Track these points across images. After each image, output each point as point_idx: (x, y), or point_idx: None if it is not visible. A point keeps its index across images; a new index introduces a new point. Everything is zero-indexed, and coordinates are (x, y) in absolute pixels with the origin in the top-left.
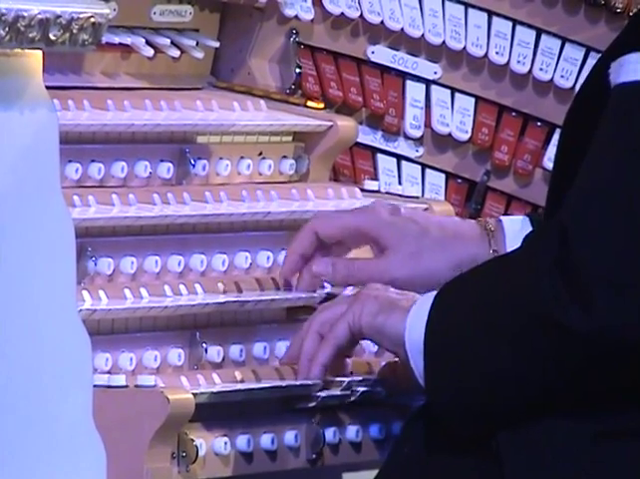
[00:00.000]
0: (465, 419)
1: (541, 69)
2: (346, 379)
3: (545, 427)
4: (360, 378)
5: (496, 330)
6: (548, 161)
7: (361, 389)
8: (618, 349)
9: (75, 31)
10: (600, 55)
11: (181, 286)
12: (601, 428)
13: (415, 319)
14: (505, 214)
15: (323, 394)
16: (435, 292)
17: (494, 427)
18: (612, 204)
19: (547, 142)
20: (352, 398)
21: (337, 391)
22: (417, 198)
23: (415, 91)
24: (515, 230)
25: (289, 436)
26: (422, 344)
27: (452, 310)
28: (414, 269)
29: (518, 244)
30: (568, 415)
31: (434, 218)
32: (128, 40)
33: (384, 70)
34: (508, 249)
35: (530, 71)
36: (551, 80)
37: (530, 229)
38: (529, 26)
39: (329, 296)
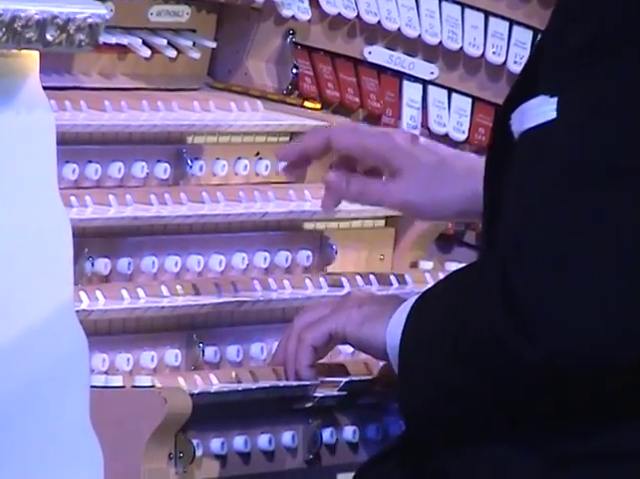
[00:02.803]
0: (427, 426)
1: None
2: (342, 379)
3: (496, 453)
4: (357, 379)
5: (455, 348)
6: None
7: (356, 389)
8: (561, 378)
9: (72, 32)
10: (499, 109)
11: (178, 287)
12: (556, 453)
13: (394, 327)
14: None
15: (319, 394)
16: (412, 300)
17: (458, 437)
18: (542, 239)
19: None
20: (347, 398)
21: (334, 392)
22: None
23: (412, 91)
24: None
25: (286, 437)
26: (397, 352)
27: (422, 321)
28: (429, 197)
29: None
30: (520, 441)
31: (452, 150)
32: (124, 40)
33: (381, 70)
34: None
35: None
36: None
37: None
38: (526, 26)
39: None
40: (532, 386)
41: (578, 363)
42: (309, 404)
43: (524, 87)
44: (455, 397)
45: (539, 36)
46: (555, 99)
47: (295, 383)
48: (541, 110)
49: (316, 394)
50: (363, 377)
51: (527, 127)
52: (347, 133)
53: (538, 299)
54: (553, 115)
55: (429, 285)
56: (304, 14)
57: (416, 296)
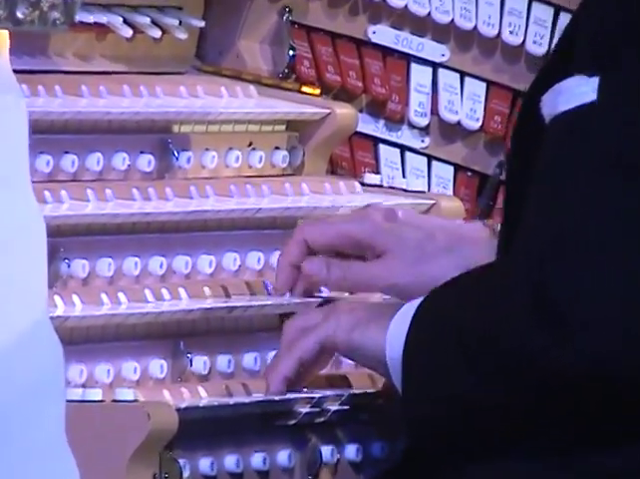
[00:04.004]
0: (434, 441)
1: None
2: (323, 394)
3: (526, 470)
4: (358, 391)
5: (474, 354)
6: None
7: (338, 407)
8: (594, 380)
9: (45, 9)
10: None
11: (164, 291)
12: (592, 469)
13: (395, 334)
14: None
15: (304, 410)
16: (416, 303)
17: (477, 453)
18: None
19: None
20: (348, 413)
21: (333, 406)
22: (422, 192)
23: (420, 75)
24: None
25: (282, 456)
26: (400, 361)
27: (430, 327)
28: (417, 276)
29: None
30: (553, 456)
31: (435, 220)
32: (104, 19)
33: (386, 52)
34: None
35: (547, 52)
36: None
37: None
38: (547, 3)
39: (326, 302)
40: (563, 391)
41: (614, 364)
42: (292, 421)
43: (557, 67)
44: (472, 410)
45: (562, 13)
46: (595, 79)
47: (293, 396)
48: (579, 91)
49: (301, 410)
50: (367, 390)
51: (563, 109)
52: (320, 229)
53: (576, 297)
54: (593, 97)
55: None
56: None
57: (418, 300)
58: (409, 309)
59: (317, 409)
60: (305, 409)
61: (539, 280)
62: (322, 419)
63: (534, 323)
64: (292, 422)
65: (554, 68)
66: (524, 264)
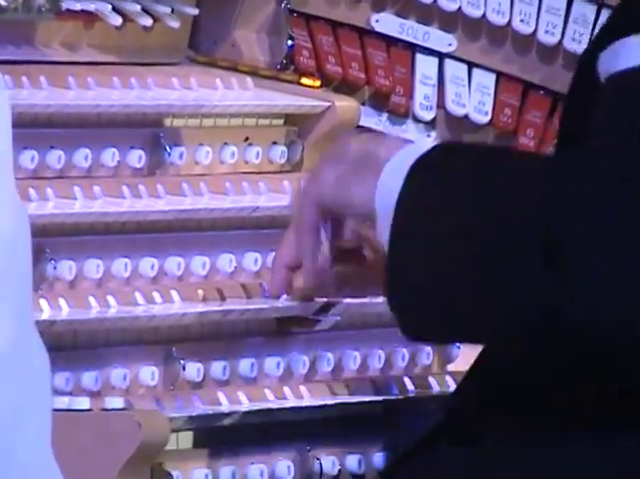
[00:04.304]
0: (417, 319)
1: (574, 39)
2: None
3: (567, 456)
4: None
5: (480, 246)
6: None
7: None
8: (594, 344)
9: None
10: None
11: (155, 294)
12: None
13: (388, 183)
14: None
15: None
16: (416, 149)
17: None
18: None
19: None
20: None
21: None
22: None
23: (426, 66)
24: None
25: (281, 467)
26: (391, 214)
27: (435, 184)
28: None
29: None
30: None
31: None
32: (91, 6)
33: (390, 42)
34: None
35: (561, 42)
36: None
37: None
38: None
39: (326, 305)
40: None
41: (609, 331)
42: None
43: (618, 25)
44: (464, 299)
45: (576, 0)
46: None
47: (290, 404)
48: (638, 50)
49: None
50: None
51: (621, 68)
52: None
53: (583, 255)
54: None
55: None
56: None
57: (423, 147)
58: (409, 153)
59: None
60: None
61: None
62: (322, 428)
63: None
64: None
65: (615, 26)
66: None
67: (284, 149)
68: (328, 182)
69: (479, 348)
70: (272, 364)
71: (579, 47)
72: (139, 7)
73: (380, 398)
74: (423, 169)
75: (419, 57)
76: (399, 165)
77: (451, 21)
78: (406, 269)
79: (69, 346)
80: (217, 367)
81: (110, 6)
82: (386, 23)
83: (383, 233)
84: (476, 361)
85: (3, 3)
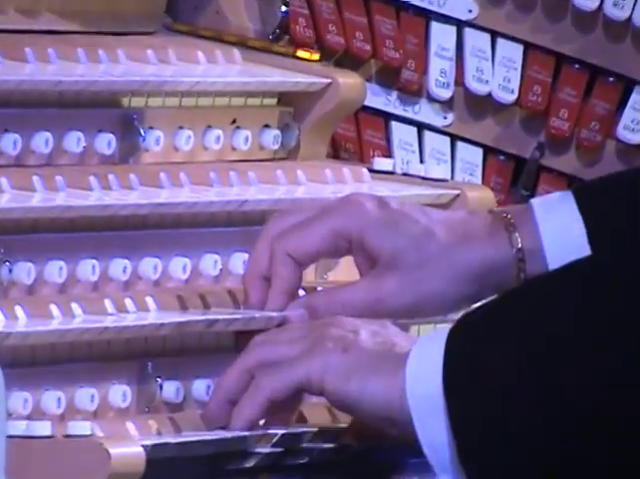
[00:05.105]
0: None
1: (615, 4)
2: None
3: None
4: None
5: (566, 409)
6: (624, 129)
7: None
8: None
9: None
10: None
11: (127, 301)
12: None
13: (417, 378)
14: None
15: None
16: (443, 332)
17: None
18: None
19: (623, 104)
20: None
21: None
22: (444, 181)
23: (442, 36)
24: (551, 214)
25: None
26: (440, 403)
27: (483, 366)
28: (415, 294)
29: (556, 235)
30: None
31: (434, 212)
32: None
33: (400, 7)
34: (546, 244)
35: (600, 7)
36: (629, 19)
37: (575, 207)
38: None
39: None
40: None
41: None
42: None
43: None
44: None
45: None
46: None
47: (284, 431)
48: None
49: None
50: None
51: None
52: (300, 235)
53: None
54: None
55: None
56: None
57: (447, 327)
58: (435, 340)
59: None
60: (265, 449)
61: None
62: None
63: None
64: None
65: None
66: None
67: (277, 133)
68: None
69: None
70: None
71: (621, 13)
72: None
73: None
74: (460, 346)
75: (434, 25)
76: (426, 353)
77: None
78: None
79: (27, 362)
80: (200, 386)
81: None
82: None
83: (426, 431)
84: None
85: None
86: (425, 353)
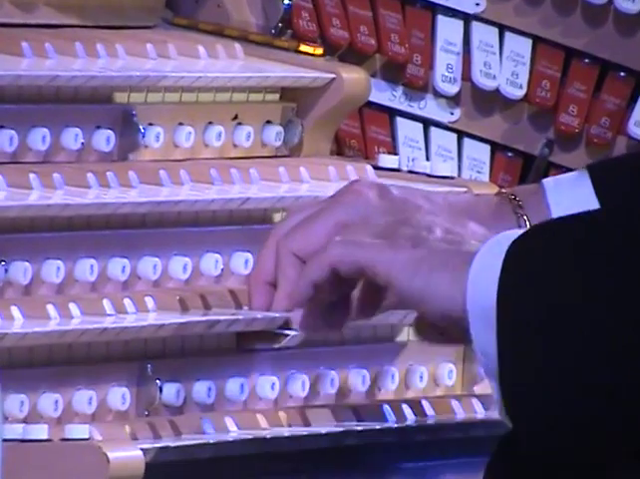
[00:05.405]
0: (557, 437)
1: None
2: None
3: None
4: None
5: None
6: (635, 126)
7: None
8: None
9: None
10: None
11: (127, 301)
12: None
13: (479, 282)
14: None
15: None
16: (507, 238)
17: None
18: None
19: (634, 99)
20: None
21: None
22: (451, 178)
23: (449, 30)
24: (565, 196)
25: None
26: (492, 316)
27: (539, 277)
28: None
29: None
30: None
31: (438, 197)
32: None
33: (406, 1)
34: None
35: (611, 0)
36: None
37: (591, 190)
38: None
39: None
40: None
41: None
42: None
43: None
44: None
45: None
46: None
47: (287, 433)
48: None
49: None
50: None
51: None
52: (304, 233)
53: None
54: None
55: None
56: None
57: (513, 234)
58: (496, 246)
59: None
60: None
61: None
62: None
63: None
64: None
65: None
66: None
67: (280, 129)
68: (393, 259)
69: None
70: (266, 386)
71: (633, 7)
72: None
73: (392, 425)
74: (518, 261)
75: (440, 19)
76: (489, 259)
77: None
78: (529, 387)
79: (23, 364)
80: (201, 388)
81: None
82: None
83: (480, 338)
84: None
85: None
86: (488, 259)
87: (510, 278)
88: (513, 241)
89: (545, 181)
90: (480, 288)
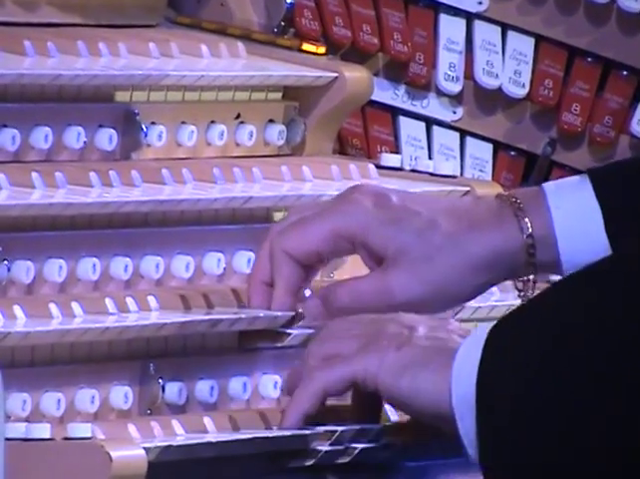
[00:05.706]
0: None
1: None
2: (338, 429)
3: None
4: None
5: (597, 402)
6: (638, 125)
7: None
8: None
9: None
10: None
11: (129, 300)
12: None
13: (462, 376)
14: None
15: (324, 448)
16: (482, 332)
17: None
18: None
19: (637, 98)
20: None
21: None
22: (454, 177)
23: (451, 28)
24: (566, 200)
25: None
26: (472, 401)
27: (515, 360)
28: (423, 286)
29: (570, 221)
30: None
31: (438, 202)
32: None
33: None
34: (558, 231)
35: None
36: None
37: (592, 194)
38: None
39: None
40: None
41: None
42: (310, 461)
43: None
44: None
45: None
46: None
47: (289, 433)
48: None
49: (320, 447)
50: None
51: None
52: (299, 234)
53: None
54: None
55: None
56: None
57: (489, 325)
58: (475, 340)
59: (339, 447)
60: (324, 447)
61: None
62: (345, 459)
63: None
64: (309, 463)
65: None
66: None
67: (282, 128)
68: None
69: None
70: (268, 384)
71: (636, 5)
72: None
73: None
74: (494, 350)
75: (443, 18)
76: (470, 350)
77: None
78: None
79: (25, 363)
80: (203, 387)
81: None
82: None
83: (464, 425)
84: None
85: None
86: (469, 351)
87: (488, 366)
88: (490, 331)
89: (546, 184)
90: (462, 379)
